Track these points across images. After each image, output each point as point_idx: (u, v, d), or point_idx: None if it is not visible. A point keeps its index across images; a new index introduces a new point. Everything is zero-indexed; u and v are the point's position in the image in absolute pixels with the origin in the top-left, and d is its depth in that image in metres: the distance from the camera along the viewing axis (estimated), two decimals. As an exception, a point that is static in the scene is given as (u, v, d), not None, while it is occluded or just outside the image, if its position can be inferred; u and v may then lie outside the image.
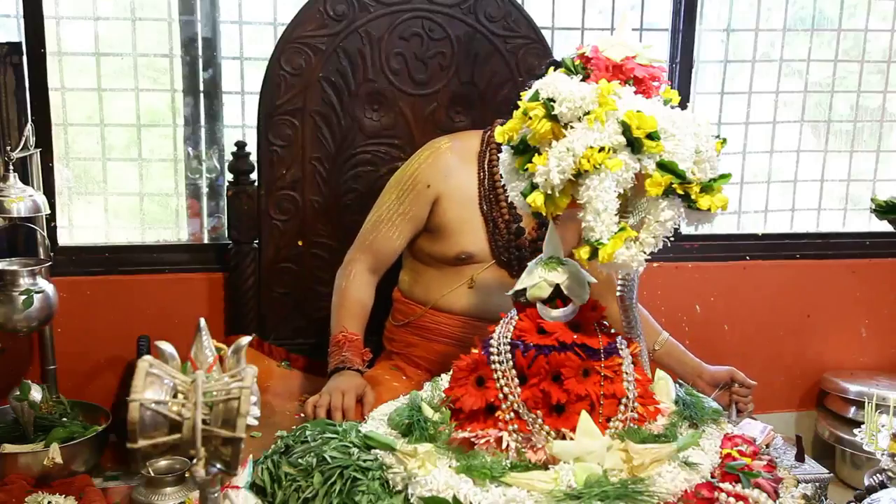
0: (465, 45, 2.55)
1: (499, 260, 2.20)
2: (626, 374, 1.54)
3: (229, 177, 2.58)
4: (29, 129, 2.38)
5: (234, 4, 2.67)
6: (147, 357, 1.13)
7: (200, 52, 2.67)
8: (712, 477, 1.49)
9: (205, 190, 2.78)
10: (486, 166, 2.19)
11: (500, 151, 2.07)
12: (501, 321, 1.59)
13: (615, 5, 2.89)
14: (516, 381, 1.50)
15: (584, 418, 1.47)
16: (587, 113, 1.47)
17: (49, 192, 2.50)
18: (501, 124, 1.61)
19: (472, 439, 1.48)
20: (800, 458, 2.44)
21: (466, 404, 1.53)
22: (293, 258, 2.59)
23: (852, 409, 2.99)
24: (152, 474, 1.92)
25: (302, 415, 2.27)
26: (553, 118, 1.50)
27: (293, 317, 2.62)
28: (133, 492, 1.96)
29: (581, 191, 1.46)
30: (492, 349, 1.54)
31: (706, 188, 1.50)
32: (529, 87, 1.56)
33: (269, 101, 2.49)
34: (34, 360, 2.56)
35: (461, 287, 2.21)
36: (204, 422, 1.10)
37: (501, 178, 2.05)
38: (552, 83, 1.51)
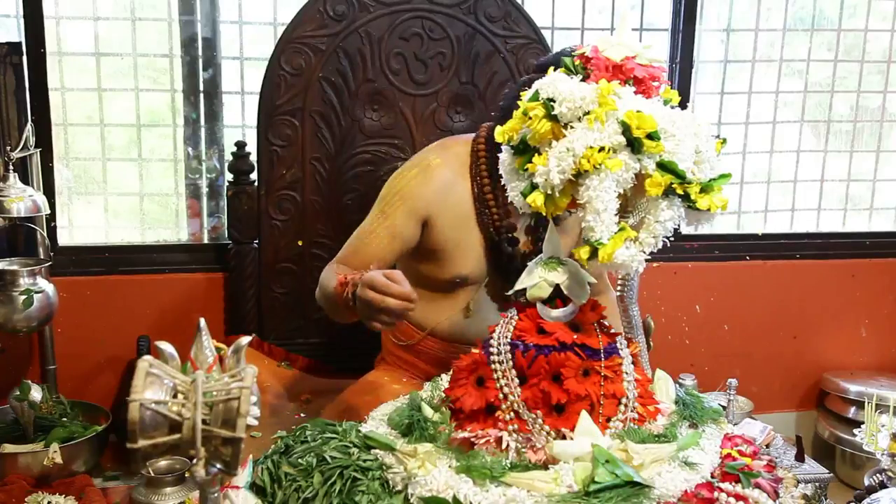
0: (465, 45, 2.55)
1: (494, 277, 2.06)
2: (626, 374, 1.54)
3: (229, 177, 2.58)
4: (29, 129, 2.39)
5: (234, 4, 2.67)
6: (147, 357, 1.13)
7: (200, 52, 2.67)
8: (712, 477, 1.48)
9: (205, 190, 2.78)
10: (478, 179, 2.01)
11: (487, 159, 1.99)
12: (501, 321, 1.59)
13: (615, 5, 2.90)
14: (516, 381, 1.50)
15: (584, 418, 1.46)
16: (587, 113, 1.47)
17: (49, 192, 2.51)
18: (489, 129, 1.55)
19: (472, 439, 1.48)
20: (800, 458, 2.45)
21: (466, 404, 1.53)
22: (293, 258, 2.59)
23: (852, 409, 2.99)
24: (152, 474, 1.92)
25: (302, 415, 2.27)
26: (553, 118, 1.49)
27: (293, 317, 2.62)
28: (133, 492, 1.96)
29: (581, 191, 1.46)
30: (492, 349, 1.54)
31: (706, 188, 1.50)
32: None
33: (269, 101, 2.49)
34: (34, 360, 2.56)
35: (457, 315, 2.10)
36: (204, 422, 1.10)
37: (489, 189, 1.99)
38: (552, 83, 1.51)
